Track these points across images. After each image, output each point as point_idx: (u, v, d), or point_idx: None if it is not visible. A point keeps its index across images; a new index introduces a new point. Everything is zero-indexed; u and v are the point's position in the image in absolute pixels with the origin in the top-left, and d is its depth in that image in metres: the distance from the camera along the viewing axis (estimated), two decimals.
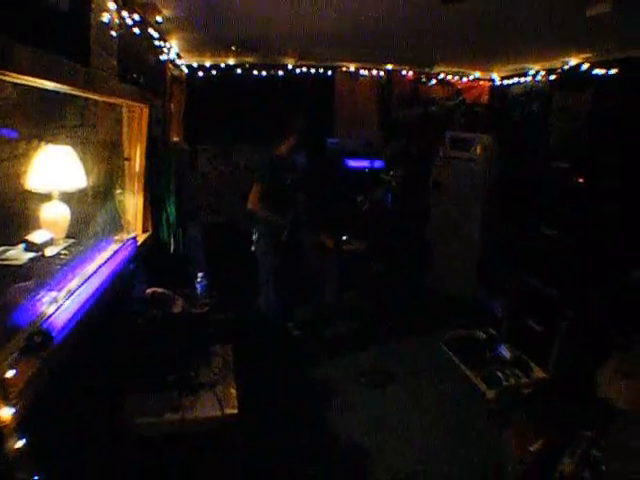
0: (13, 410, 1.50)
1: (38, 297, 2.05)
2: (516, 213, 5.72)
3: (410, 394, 4.24)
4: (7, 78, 1.59)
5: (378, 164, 6.19)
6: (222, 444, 2.71)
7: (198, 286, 3.67)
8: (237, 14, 3.45)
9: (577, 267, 4.44)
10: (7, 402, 1.50)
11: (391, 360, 4.67)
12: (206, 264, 4.40)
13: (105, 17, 2.34)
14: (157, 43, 3.53)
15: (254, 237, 4.49)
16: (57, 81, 1.86)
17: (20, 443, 1.51)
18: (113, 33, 2.49)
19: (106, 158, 3.10)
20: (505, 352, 4.68)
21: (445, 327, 5.41)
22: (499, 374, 4.35)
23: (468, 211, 6.02)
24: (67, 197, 2.44)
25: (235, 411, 2.68)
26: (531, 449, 3.21)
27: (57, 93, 2.14)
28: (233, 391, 2.84)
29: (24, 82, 1.73)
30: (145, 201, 3.60)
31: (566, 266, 4.53)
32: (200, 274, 3.74)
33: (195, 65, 5.34)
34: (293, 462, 3.33)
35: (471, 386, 4.33)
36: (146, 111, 3.35)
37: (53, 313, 2.01)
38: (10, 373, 1.58)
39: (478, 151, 5.98)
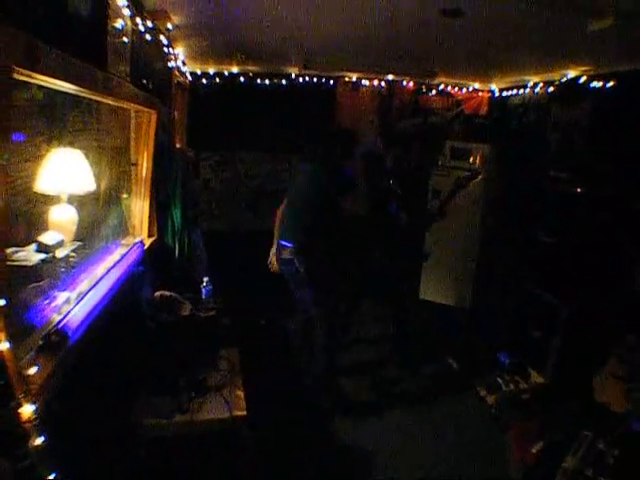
0: (34, 407, 1.52)
1: (52, 297, 2.08)
2: (515, 222, 5.77)
3: (413, 401, 4.28)
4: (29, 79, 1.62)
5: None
6: (231, 446, 2.74)
7: (204, 290, 3.70)
8: (244, 22, 3.50)
9: (575, 274, 4.49)
10: (29, 399, 1.52)
11: (394, 368, 4.71)
12: (208, 270, 4.42)
13: (119, 23, 2.38)
14: (166, 50, 3.57)
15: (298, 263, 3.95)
16: (78, 84, 1.89)
17: (40, 440, 1.53)
18: (126, 39, 2.53)
19: (113, 163, 3.12)
20: (505, 358, 4.73)
21: (445, 336, 5.48)
22: (499, 380, 4.42)
23: (467, 219, 6.07)
24: (75, 200, 2.45)
25: (243, 413, 2.72)
26: (533, 450, 3.25)
27: (64, 97, 2.16)
28: (241, 393, 2.88)
29: (46, 84, 1.77)
30: (151, 206, 3.62)
31: (564, 273, 4.59)
32: (205, 279, 3.76)
33: (199, 72, 5.39)
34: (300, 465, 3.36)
35: (472, 392, 4.38)
36: (154, 117, 3.38)
37: (67, 313, 2.03)
38: (32, 370, 1.60)
39: (477, 161, 6.05)
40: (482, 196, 5.97)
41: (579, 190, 4.73)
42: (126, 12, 2.44)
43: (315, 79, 5.95)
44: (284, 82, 5.80)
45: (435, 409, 4.16)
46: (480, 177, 5.46)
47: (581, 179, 4.81)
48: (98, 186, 2.59)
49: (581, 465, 2.68)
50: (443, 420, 4.01)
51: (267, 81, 5.75)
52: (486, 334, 5.25)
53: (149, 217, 3.65)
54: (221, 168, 6.16)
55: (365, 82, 6.29)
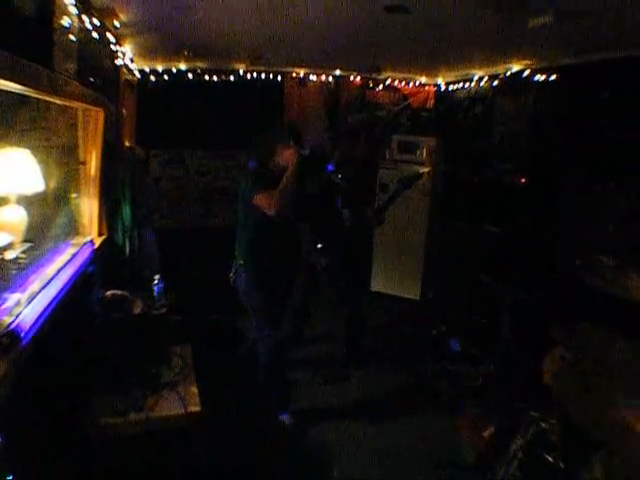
0: None
1: (2, 300, 2.06)
2: (462, 213, 5.93)
3: (365, 391, 4.35)
4: None
5: (330, 167, 6.31)
6: (187, 442, 2.75)
7: (155, 288, 3.69)
8: (193, 19, 3.49)
9: (520, 262, 4.66)
10: None
11: (344, 360, 4.77)
12: (160, 268, 4.40)
13: (66, 21, 2.36)
14: (113, 48, 3.54)
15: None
16: (24, 84, 1.88)
17: None
18: (73, 37, 2.51)
19: (61, 162, 3.09)
20: (455, 346, 4.87)
21: (395, 327, 5.58)
22: (450, 368, 4.54)
23: (415, 212, 6.21)
24: (24, 200, 2.43)
25: (198, 409, 2.74)
26: (484, 435, 3.37)
27: (9, 95, 2.13)
28: (195, 389, 2.90)
29: None
30: (101, 205, 3.59)
31: (510, 261, 4.76)
32: (157, 276, 3.76)
33: (147, 70, 5.35)
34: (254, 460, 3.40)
35: (425, 381, 4.48)
36: (102, 115, 3.35)
37: (18, 315, 2.02)
38: None
39: (424, 154, 6.19)
40: (429, 188, 6.11)
41: (523, 180, 4.90)
42: (73, 10, 2.42)
43: (263, 75, 5.99)
44: (232, 78, 5.83)
45: (388, 401, 4.24)
46: (426, 175, 5.56)
47: (525, 169, 4.98)
48: (47, 186, 2.56)
49: (529, 445, 2.80)
50: (396, 410, 4.08)
51: (215, 77, 5.77)
52: (435, 323, 5.38)
53: (99, 216, 3.62)
54: (171, 166, 6.12)
55: (313, 77, 6.36)
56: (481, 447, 3.40)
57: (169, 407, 2.72)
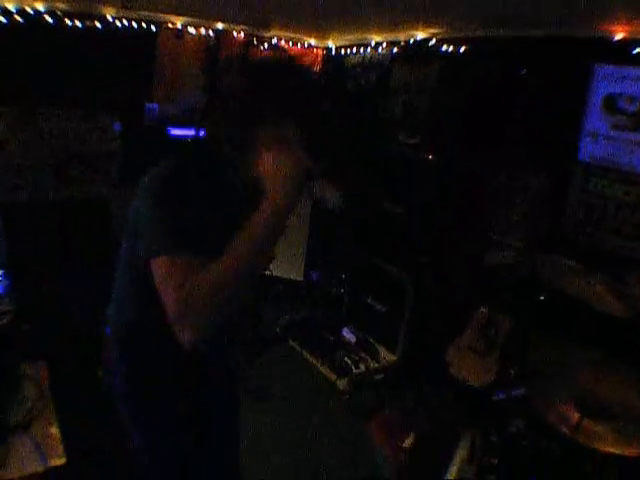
0: None
1: None
2: (355, 189, 5.58)
3: (256, 395, 3.83)
4: None
5: (203, 133, 5.73)
6: None
7: None
8: None
9: (424, 246, 4.40)
10: None
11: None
12: (7, 257, 3.58)
13: None
14: None
15: None
16: None
17: None
18: None
19: None
20: (349, 335, 4.54)
21: (278, 312, 5.13)
22: (347, 360, 4.18)
23: None
24: None
25: (62, 461, 2.03)
26: (404, 446, 3.03)
27: None
28: (55, 431, 2.18)
29: None
30: None
31: (412, 245, 4.48)
32: (0, 272, 3.01)
33: None
34: None
35: (319, 375, 4.09)
36: None
37: None
38: None
39: None
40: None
41: (430, 157, 4.60)
42: None
43: (135, 24, 5.19)
44: (99, 25, 4.96)
45: (284, 403, 3.79)
46: None
47: (431, 146, 4.67)
48: None
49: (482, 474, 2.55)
50: (297, 418, 3.64)
51: (78, 23, 4.86)
52: (323, 307, 5.05)
53: None
54: (20, 127, 5.13)
55: (192, 30, 5.65)
56: (402, 460, 3.03)
57: (23, 463, 1.98)
